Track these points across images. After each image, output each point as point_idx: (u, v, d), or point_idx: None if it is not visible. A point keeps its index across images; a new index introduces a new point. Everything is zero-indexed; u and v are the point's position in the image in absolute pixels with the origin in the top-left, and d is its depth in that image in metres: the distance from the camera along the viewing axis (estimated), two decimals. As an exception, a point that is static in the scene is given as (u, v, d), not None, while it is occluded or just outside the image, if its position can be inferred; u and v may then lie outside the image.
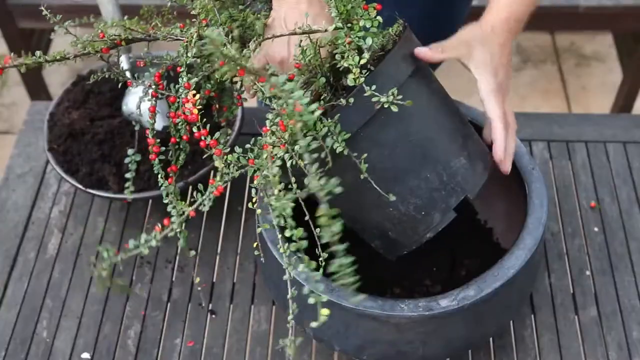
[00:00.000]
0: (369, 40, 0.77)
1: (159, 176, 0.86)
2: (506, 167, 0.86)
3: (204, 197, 0.78)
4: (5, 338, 1.02)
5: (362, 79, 0.75)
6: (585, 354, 0.99)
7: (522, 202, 0.93)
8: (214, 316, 1.04)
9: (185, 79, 0.83)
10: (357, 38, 0.77)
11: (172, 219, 0.77)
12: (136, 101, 1.12)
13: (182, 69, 0.83)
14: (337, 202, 0.64)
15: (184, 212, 0.77)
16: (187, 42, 0.83)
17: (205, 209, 0.78)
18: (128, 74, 1.16)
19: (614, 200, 1.15)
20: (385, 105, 0.76)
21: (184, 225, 0.76)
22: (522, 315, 1.03)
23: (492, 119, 0.85)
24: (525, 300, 1.02)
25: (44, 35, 2.07)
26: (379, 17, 0.79)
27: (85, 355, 1.00)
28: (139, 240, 0.73)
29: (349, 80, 0.76)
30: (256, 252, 1.06)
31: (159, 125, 1.11)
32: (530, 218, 0.89)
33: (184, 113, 0.82)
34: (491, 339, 1.00)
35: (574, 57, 2.36)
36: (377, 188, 0.78)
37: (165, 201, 0.81)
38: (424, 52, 0.83)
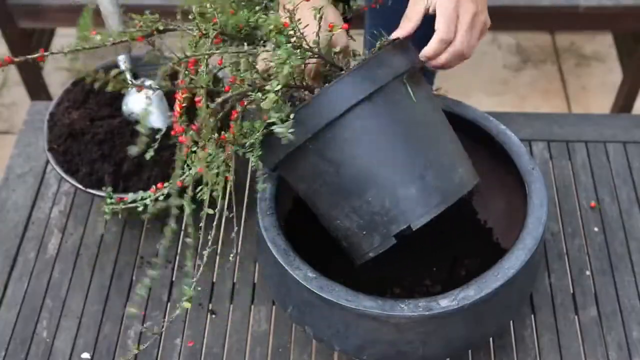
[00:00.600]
0: (287, 68, 0.77)
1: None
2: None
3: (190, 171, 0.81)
4: (5, 338, 1.02)
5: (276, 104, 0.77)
6: (585, 354, 0.99)
7: (522, 202, 0.93)
8: (214, 316, 1.04)
9: (181, 77, 0.83)
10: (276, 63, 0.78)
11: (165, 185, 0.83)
12: (136, 101, 1.13)
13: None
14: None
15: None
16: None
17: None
18: (128, 74, 1.17)
19: (614, 200, 1.15)
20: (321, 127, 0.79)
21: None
22: (522, 315, 1.03)
23: (434, 34, 0.84)
24: (525, 300, 1.02)
25: (44, 35, 2.07)
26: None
27: (85, 355, 1.00)
28: (139, 195, 0.80)
29: (264, 104, 0.77)
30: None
31: (152, 117, 1.11)
32: (530, 218, 0.89)
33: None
34: (491, 339, 1.00)
35: (574, 57, 2.36)
36: (319, 202, 0.86)
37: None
38: (397, 32, 0.84)
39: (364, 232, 0.84)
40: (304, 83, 0.84)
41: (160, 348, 1.01)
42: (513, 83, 2.28)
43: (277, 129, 0.76)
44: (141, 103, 1.12)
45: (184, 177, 0.83)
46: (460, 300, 0.82)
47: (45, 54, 0.81)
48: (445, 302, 0.82)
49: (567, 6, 1.82)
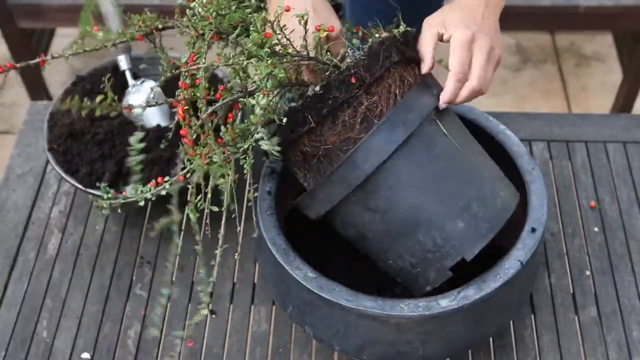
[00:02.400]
0: (269, 84, 0.78)
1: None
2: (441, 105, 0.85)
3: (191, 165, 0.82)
4: (5, 338, 1.02)
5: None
6: (585, 354, 0.99)
7: (522, 202, 0.93)
8: (214, 316, 1.04)
9: (182, 78, 0.84)
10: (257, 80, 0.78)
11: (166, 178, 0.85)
12: (136, 101, 1.13)
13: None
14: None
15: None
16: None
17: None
18: (128, 74, 1.17)
19: (614, 200, 1.15)
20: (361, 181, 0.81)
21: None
22: (522, 315, 1.03)
23: (449, 73, 0.84)
24: (525, 300, 1.02)
25: (44, 35, 2.07)
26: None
27: (85, 355, 1.00)
28: (136, 188, 0.82)
29: (252, 118, 0.79)
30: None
31: (153, 117, 1.11)
32: (530, 218, 0.89)
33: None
34: (491, 339, 1.00)
35: (574, 57, 2.36)
36: (369, 247, 0.88)
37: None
38: (426, 67, 0.84)
39: (419, 269, 0.86)
40: (301, 79, 0.84)
41: (160, 348, 1.01)
42: (513, 83, 2.28)
43: (263, 145, 0.78)
44: (141, 103, 1.12)
45: (184, 171, 0.83)
46: (460, 300, 0.82)
47: (46, 58, 0.82)
48: (445, 302, 0.82)
49: (567, 6, 1.82)
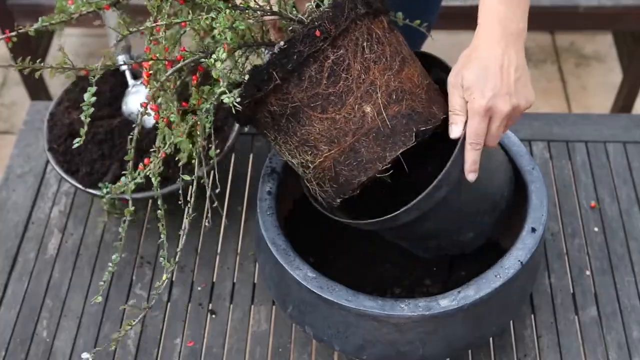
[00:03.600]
0: (229, 36, 0.76)
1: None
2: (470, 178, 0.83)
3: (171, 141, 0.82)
4: (5, 338, 1.02)
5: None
6: (585, 354, 0.99)
7: (522, 202, 0.93)
8: (214, 316, 1.04)
9: (146, 42, 0.82)
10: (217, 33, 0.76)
11: (151, 159, 0.84)
12: (136, 101, 1.13)
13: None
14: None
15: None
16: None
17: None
18: (127, 74, 1.17)
19: (614, 200, 1.15)
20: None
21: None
22: (522, 315, 1.03)
23: (466, 141, 0.82)
24: (525, 300, 1.02)
25: (44, 35, 2.07)
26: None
27: (85, 355, 1.00)
28: (128, 177, 0.82)
29: (213, 73, 0.76)
30: (250, 253, 1.07)
31: (152, 117, 1.11)
32: (530, 218, 0.89)
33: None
34: (491, 339, 1.00)
35: (574, 57, 2.36)
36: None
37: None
38: (453, 135, 0.82)
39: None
40: (266, 40, 0.82)
41: (160, 348, 1.01)
42: (513, 83, 2.28)
43: (225, 99, 0.74)
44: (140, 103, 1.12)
45: (166, 147, 0.83)
46: (460, 300, 0.82)
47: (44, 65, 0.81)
48: (445, 302, 0.82)
49: (567, 6, 1.82)
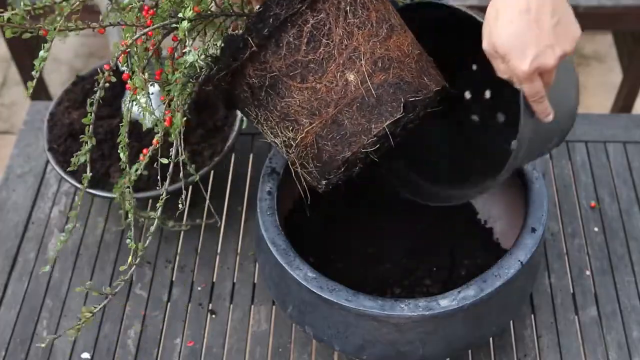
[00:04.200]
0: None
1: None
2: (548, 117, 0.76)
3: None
4: (5, 338, 1.02)
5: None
6: (585, 354, 0.99)
7: (522, 202, 0.93)
8: (214, 316, 1.04)
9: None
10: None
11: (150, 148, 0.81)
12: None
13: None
14: None
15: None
16: None
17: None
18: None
19: (614, 200, 1.15)
20: None
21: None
22: (522, 315, 1.03)
23: (529, 100, 0.75)
24: (525, 300, 1.02)
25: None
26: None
27: (85, 355, 1.00)
28: (133, 169, 0.81)
29: (177, 33, 0.74)
30: (250, 253, 1.07)
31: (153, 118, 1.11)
32: (530, 218, 0.89)
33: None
34: (491, 339, 1.00)
35: (574, 57, 2.36)
36: None
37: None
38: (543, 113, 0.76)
39: None
40: (247, 10, 0.79)
41: (160, 348, 1.01)
42: (513, 83, 2.28)
43: (188, 57, 0.72)
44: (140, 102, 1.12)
45: (159, 135, 0.81)
46: (460, 300, 0.82)
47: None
48: (445, 302, 0.82)
49: (567, 6, 1.81)
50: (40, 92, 2.05)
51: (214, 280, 1.07)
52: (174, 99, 0.79)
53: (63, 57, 2.31)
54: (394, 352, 0.86)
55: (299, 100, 0.77)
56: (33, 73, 0.78)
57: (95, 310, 0.80)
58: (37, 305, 1.05)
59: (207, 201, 1.13)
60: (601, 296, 1.04)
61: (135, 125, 1.12)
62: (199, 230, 1.13)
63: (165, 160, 0.80)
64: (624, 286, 1.05)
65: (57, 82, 2.22)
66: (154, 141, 0.81)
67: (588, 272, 1.07)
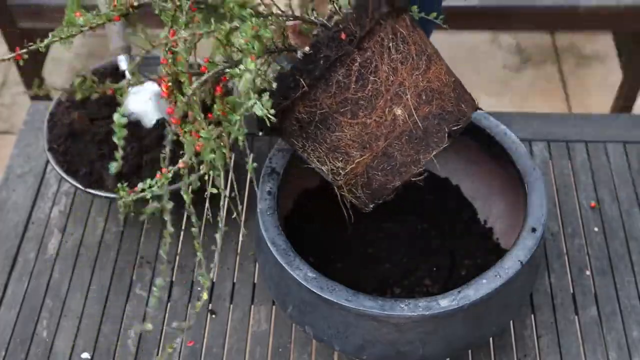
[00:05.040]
0: (256, 47, 0.74)
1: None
2: None
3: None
4: (5, 338, 1.02)
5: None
6: (585, 354, 0.99)
7: (522, 202, 0.93)
8: (214, 316, 1.04)
9: (162, 54, 0.80)
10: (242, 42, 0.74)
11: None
12: (136, 101, 1.13)
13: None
14: None
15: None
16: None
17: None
18: (128, 74, 1.17)
19: (614, 200, 1.15)
20: None
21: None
22: (522, 315, 1.03)
23: None
24: (525, 300, 1.02)
25: (44, 35, 2.07)
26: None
27: (85, 355, 1.00)
28: (146, 184, 0.80)
29: (240, 86, 0.74)
30: (250, 253, 1.07)
31: (152, 117, 1.11)
32: (530, 218, 0.89)
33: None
34: (491, 339, 1.00)
35: (574, 57, 2.36)
36: None
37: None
38: None
39: None
40: (286, 45, 0.81)
41: (160, 348, 1.01)
42: (513, 83, 2.28)
43: (256, 110, 0.73)
44: (141, 103, 1.12)
45: (186, 158, 0.82)
46: (460, 300, 0.82)
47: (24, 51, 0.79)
48: (445, 302, 0.82)
49: (567, 6, 1.81)
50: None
51: (214, 280, 1.07)
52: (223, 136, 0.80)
53: (63, 57, 2.31)
54: (394, 352, 0.86)
55: (349, 135, 0.79)
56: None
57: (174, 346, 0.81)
58: (37, 305, 1.05)
59: (207, 203, 1.13)
60: (601, 296, 1.04)
61: (135, 125, 1.12)
62: (198, 230, 1.13)
63: (214, 190, 0.81)
64: (624, 286, 1.05)
65: (57, 82, 2.22)
66: (181, 164, 0.81)
67: (588, 272, 1.07)
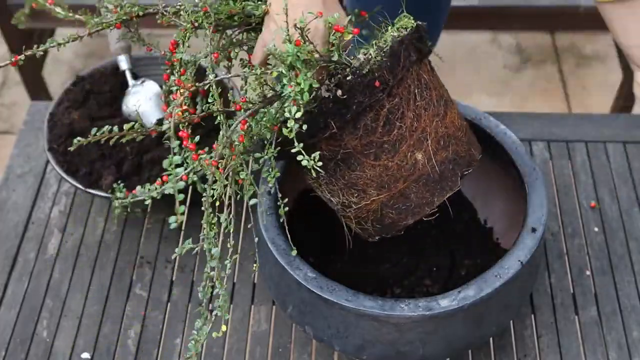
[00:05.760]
0: (305, 96, 0.75)
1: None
2: None
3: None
4: (5, 338, 1.02)
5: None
6: (585, 354, 0.99)
7: (522, 202, 0.93)
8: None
9: (176, 76, 0.82)
10: (296, 94, 0.75)
11: (170, 178, 0.82)
12: (136, 101, 1.13)
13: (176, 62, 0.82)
14: None
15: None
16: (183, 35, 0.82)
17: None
18: (128, 74, 1.17)
19: (614, 200, 1.15)
20: None
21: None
22: (522, 315, 1.03)
23: None
24: (525, 300, 1.02)
25: (44, 35, 2.07)
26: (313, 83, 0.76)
27: (85, 355, 1.00)
28: (145, 188, 0.81)
29: (286, 132, 0.76)
30: (250, 253, 1.07)
31: (152, 117, 1.11)
32: (530, 218, 0.89)
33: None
34: (491, 339, 1.00)
35: (574, 57, 2.36)
36: None
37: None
38: None
39: None
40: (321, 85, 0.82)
41: (160, 348, 1.01)
42: (513, 83, 2.28)
43: (304, 162, 0.76)
44: (141, 103, 1.12)
45: (187, 171, 0.83)
46: (460, 300, 0.82)
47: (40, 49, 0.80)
48: (445, 302, 0.82)
49: (567, 6, 1.82)
50: (40, 92, 2.05)
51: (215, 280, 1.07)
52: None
53: (63, 57, 2.31)
54: (394, 352, 0.86)
55: (369, 175, 0.81)
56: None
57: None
58: (37, 305, 1.05)
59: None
60: (601, 296, 1.04)
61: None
62: (199, 230, 1.12)
63: (224, 218, 0.82)
64: (624, 286, 1.05)
65: (57, 82, 2.23)
66: (183, 176, 0.82)
67: (588, 272, 1.07)
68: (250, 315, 1.04)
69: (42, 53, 0.84)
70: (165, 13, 0.85)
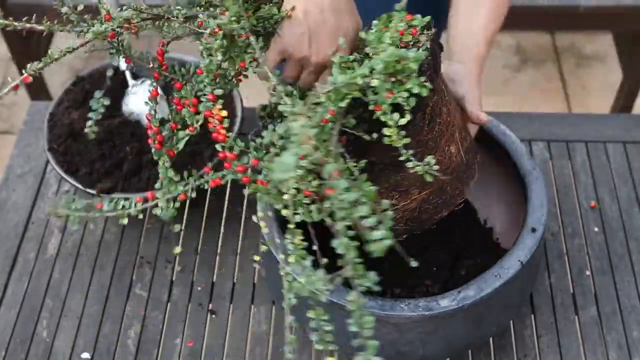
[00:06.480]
0: (412, 102, 0.74)
1: (161, 162, 0.81)
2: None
3: (196, 182, 0.79)
4: (5, 338, 1.02)
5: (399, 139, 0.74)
6: (585, 354, 0.99)
7: (522, 202, 0.93)
8: (214, 316, 1.04)
9: (209, 89, 0.79)
10: (400, 98, 0.73)
11: (157, 194, 0.76)
12: (136, 101, 1.13)
13: (203, 74, 0.79)
14: None
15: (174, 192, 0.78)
16: (210, 45, 0.79)
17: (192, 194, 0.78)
18: (127, 74, 1.17)
19: (614, 200, 1.15)
20: None
21: (172, 204, 0.76)
22: (522, 315, 1.03)
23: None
24: (525, 300, 1.02)
25: (44, 35, 2.07)
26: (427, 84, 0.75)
27: (85, 355, 1.00)
28: (114, 204, 0.73)
29: (385, 139, 0.74)
30: (257, 259, 1.07)
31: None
32: (530, 218, 0.89)
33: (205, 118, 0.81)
34: (491, 339, 1.00)
35: (574, 57, 2.36)
36: None
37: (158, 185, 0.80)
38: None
39: None
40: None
41: (160, 348, 1.01)
42: (513, 83, 2.28)
43: (417, 168, 0.75)
44: (141, 103, 1.12)
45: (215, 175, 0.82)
46: (460, 300, 0.82)
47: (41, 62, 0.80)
48: (445, 302, 0.82)
49: (567, 6, 1.82)
50: (40, 92, 2.05)
51: (214, 280, 1.07)
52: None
53: (63, 58, 2.31)
54: (394, 352, 0.86)
55: (415, 175, 0.80)
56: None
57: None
58: (37, 305, 1.05)
59: (207, 201, 1.13)
60: (601, 296, 1.04)
61: (135, 125, 1.12)
62: (199, 230, 1.13)
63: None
64: (624, 286, 1.05)
65: (57, 82, 2.22)
66: (181, 196, 0.80)
67: (588, 272, 1.07)
68: (250, 315, 1.04)
69: (39, 70, 0.84)
70: (170, 16, 0.83)
